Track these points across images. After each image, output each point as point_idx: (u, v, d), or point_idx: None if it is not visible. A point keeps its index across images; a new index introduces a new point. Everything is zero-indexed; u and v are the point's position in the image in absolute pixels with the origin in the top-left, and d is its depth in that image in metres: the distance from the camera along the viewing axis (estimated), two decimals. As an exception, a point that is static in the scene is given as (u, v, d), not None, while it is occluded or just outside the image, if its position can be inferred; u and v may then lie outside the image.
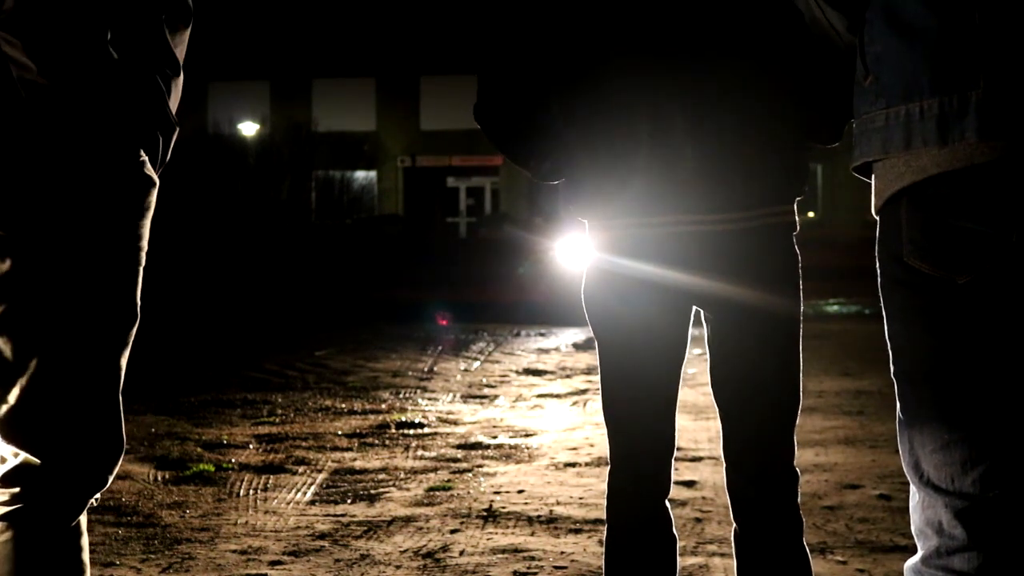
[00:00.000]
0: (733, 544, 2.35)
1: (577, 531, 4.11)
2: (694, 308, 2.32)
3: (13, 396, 1.93)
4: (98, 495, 2.06)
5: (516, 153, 2.39)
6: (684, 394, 2.40)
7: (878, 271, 1.68)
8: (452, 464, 5.34)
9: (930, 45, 1.54)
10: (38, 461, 1.95)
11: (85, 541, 2.05)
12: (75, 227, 1.94)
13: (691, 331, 2.34)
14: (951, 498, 1.58)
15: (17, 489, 1.97)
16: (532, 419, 6.62)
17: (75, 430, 1.98)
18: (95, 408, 2.00)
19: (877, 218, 1.67)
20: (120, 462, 2.07)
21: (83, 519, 2.04)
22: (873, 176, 1.65)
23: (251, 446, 5.78)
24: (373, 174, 40.55)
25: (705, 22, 2.19)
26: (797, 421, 2.32)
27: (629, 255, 2.24)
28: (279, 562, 3.78)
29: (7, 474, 1.98)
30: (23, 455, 1.96)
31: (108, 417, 2.02)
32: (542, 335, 11.42)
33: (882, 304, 1.68)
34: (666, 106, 2.19)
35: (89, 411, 1.99)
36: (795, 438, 2.33)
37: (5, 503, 1.97)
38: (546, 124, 2.32)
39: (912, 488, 1.66)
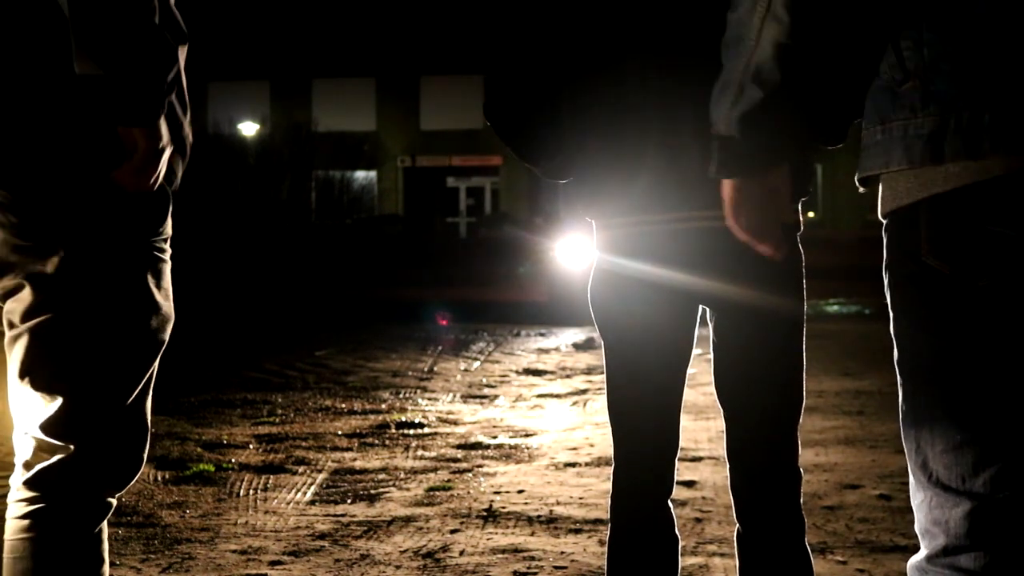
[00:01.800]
0: (735, 544, 2.35)
1: (577, 531, 4.11)
2: (700, 308, 2.32)
3: (60, 399, 2.02)
4: (114, 500, 2.12)
5: (525, 151, 2.39)
6: (685, 394, 2.40)
7: (888, 267, 1.66)
8: (452, 464, 5.34)
9: (996, 55, 1.52)
10: (67, 459, 2.03)
11: (105, 549, 2.09)
12: (109, 233, 2.02)
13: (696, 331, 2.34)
14: (961, 498, 1.58)
15: (42, 491, 2.03)
16: (532, 419, 6.62)
17: (110, 430, 2.07)
18: (129, 411, 2.09)
19: (884, 216, 1.65)
20: (143, 465, 2.16)
21: (105, 527, 2.09)
22: (896, 177, 1.63)
23: (251, 446, 5.77)
24: (373, 174, 40.53)
25: (714, 23, 2.19)
26: (800, 420, 2.32)
27: (633, 254, 2.25)
28: (279, 562, 3.78)
29: (34, 476, 2.04)
30: (53, 458, 2.03)
31: (138, 419, 2.12)
32: (542, 335, 11.42)
33: (889, 300, 1.66)
34: (675, 106, 2.20)
35: (124, 413, 2.08)
36: (799, 437, 2.32)
37: (29, 501, 2.03)
38: (555, 122, 2.32)
39: (914, 486, 1.66)
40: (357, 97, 40.76)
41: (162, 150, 2.02)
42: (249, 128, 36.17)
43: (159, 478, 5.01)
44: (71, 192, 1.99)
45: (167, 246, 2.14)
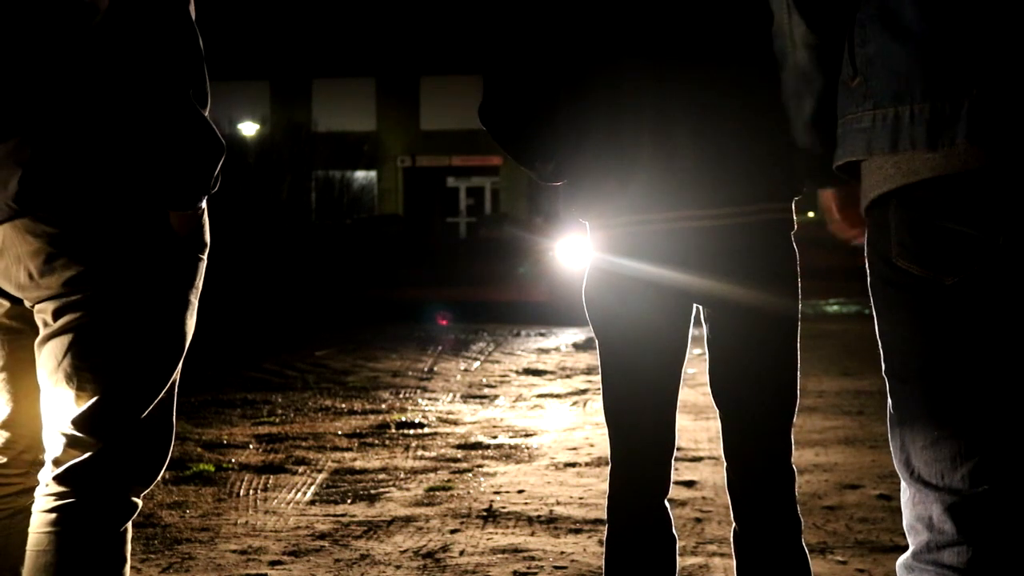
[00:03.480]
0: (732, 543, 2.35)
1: (577, 531, 4.11)
2: (695, 307, 2.32)
3: (93, 397, 2.07)
4: (139, 501, 2.17)
5: (521, 154, 2.40)
6: (684, 394, 2.40)
7: (867, 271, 1.72)
8: (452, 464, 5.34)
9: (924, 50, 1.57)
10: (97, 456, 2.07)
11: (128, 550, 2.12)
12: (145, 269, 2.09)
13: (692, 331, 2.35)
14: (941, 493, 1.62)
15: (72, 486, 2.06)
16: (532, 419, 6.62)
17: (139, 428, 2.13)
18: (157, 409, 2.17)
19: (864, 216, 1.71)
20: (167, 463, 2.24)
21: (129, 528, 2.11)
22: (861, 176, 1.69)
23: (251, 446, 5.78)
24: (373, 174, 40.52)
25: (710, 27, 2.20)
26: (795, 419, 2.33)
27: (628, 254, 2.25)
28: (279, 562, 3.78)
29: (63, 472, 2.08)
30: (83, 455, 2.07)
31: (165, 417, 2.21)
32: (542, 335, 11.42)
33: (872, 303, 1.72)
34: (670, 107, 2.21)
35: (153, 412, 2.15)
36: (792, 436, 2.34)
37: (58, 496, 2.06)
38: (551, 125, 2.33)
39: (903, 484, 1.69)
40: (357, 97, 40.75)
41: (199, 215, 2.13)
42: (249, 128, 36.16)
43: (159, 478, 5.01)
44: (120, 219, 2.04)
45: (206, 254, 2.19)
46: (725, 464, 2.37)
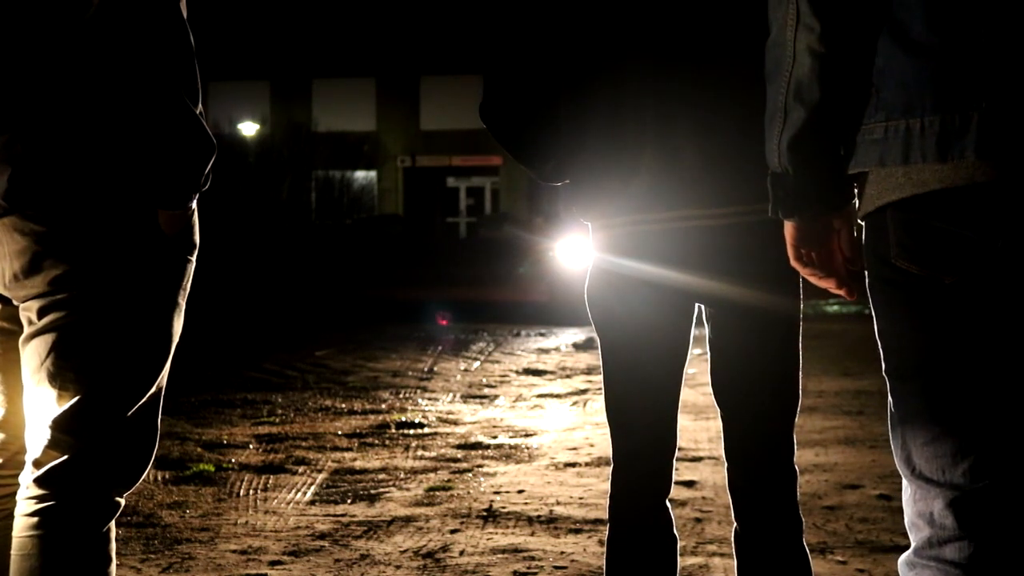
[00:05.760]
0: (733, 543, 2.35)
1: (577, 531, 4.11)
2: (696, 307, 2.32)
3: (74, 398, 2.05)
4: (122, 500, 2.16)
5: (521, 153, 2.40)
6: (684, 394, 2.40)
7: (866, 272, 1.72)
8: (452, 464, 5.34)
9: (934, 63, 1.57)
10: (77, 458, 2.05)
11: (113, 548, 2.11)
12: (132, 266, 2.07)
13: (693, 330, 2.35)
14: (942, 489, 1.63)
15: (52, 489, 2.05)
16: (532, 419, 6.62)
17: (121, 430, 2.10)
18: (140, 412, 2.12)
19: (862, 222, 1.71)
20: (150, 465, 2.21)
21: (112, 527, 2.10)
22: (867, 182, 1.68)
23: (251, 446, 5.77)
24: (373, 174, 40.56)
25: (712, 27, 2.20)
26: (797, 419, 2.33)
27: (630, 254, 2.25)
28: (279, 562, 3.78)
29: (44, 474, 2.07)
30: (63, 457, 2.05)
31: (149, 420, 2.15)
32: (542, 335, 11.42)
33: (871, 304, 1.72)
34: (672, 107, 2.20)
35: (136, 414, 2.11)
36: (795, 436, 2.33)
37: (39, 499, 2.05)
38: (552, 124, 2.33)
39: (904, 482, 1.70)
40: (357, 97, 40.78)
41: (189, 215, 2.12)
42: (249, 128, 36.19)
43: (159, 478, 5.01)
44: (108, 219, 2.03)
45: (194, 256, 2.18)
46: (726, 464, 2.36)
